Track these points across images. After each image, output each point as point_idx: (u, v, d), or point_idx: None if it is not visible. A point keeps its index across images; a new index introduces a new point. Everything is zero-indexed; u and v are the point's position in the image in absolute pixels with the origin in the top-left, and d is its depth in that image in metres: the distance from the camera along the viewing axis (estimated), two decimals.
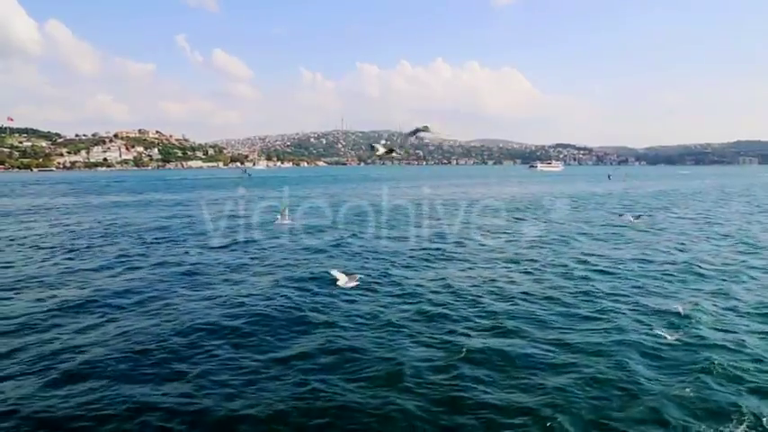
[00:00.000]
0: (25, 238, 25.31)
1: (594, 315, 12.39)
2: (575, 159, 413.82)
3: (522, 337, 10.89)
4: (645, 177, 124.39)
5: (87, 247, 21.85)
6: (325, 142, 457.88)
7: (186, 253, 20.33)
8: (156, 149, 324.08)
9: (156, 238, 24.26)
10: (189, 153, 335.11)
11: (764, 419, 7.66)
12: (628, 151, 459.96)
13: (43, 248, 21.75)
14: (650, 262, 18.59)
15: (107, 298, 13.59)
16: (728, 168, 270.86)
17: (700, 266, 17.83)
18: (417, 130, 8.28)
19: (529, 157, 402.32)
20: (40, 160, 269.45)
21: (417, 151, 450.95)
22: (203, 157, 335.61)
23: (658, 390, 8.54)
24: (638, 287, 15.03)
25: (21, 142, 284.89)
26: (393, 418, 7.62)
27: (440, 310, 12.73)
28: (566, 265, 17.99)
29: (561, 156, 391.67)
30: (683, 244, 22.60)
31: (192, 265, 18.01)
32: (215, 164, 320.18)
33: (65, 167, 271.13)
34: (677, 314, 12.27)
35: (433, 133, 8.27)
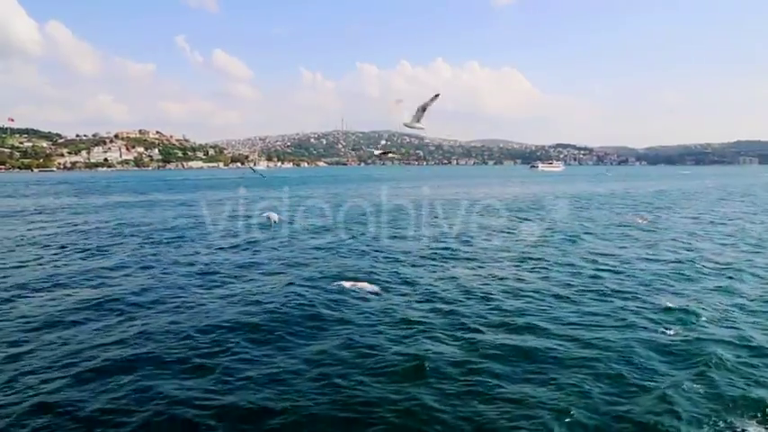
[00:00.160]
0: (36, 237, 25.54)
1: (604, 312, 12.62)
2: (575, 159, 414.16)
3: (533, 333, 11.12)
4: (645, 177, 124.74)
5: (99, 247, 22.06)
6: (325, 142, 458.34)
7: (197, 252, 20.56)
8: (156, 150, 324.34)
9: (164, 238, 24.48)
10: (189, 153, 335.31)
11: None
12: (628, 151, 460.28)
13: (56, 248, 21.95)
14: (657, 260, 18.82)
15: (125, 297, 13.81)
16: (729, 168, 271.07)
17: (706, 265, 18.06)
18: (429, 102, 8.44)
19: (529, 157, 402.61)
20: (41, 161, 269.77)
21: (417, 151, 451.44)
22: (204, 157, 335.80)
23: (668, 383, 8.77)
24: (646, 285, 15.25)
25: (21, 143, 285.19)
26: (415, 412, 7.84)
27: (452, 307, 12.98)
28: (573, 264, 18.22)
29: (561, 156, 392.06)
30: (689, 243, 22.82)
31: (204, 264, 18.23)
32: (215, 164, 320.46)
33: (65, 168, 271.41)
34: (684, 310, 12.52)
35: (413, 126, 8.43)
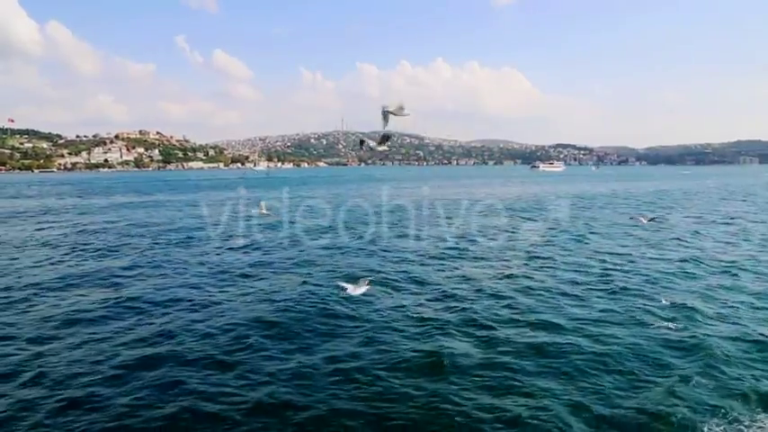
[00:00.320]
0: (46, 237, 25.81)
1: (612, 308, 12.87)
2: (575, 159, 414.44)
3: (544, 329, 11.37)
4: (646, 177, 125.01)
5: (110, 247, 22.33)
6: (325, 143, 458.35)
7: (206, 252, 20.79)
8: (156, 150, 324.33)
9: (172, 239, 24.71)
10: (190, 154, 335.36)
11: None
12: (628, 151, 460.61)
13: (67, 248, 22.20)
14: (662, 259, 19.05)
15: (143, 295, 14.07)
16: (729, 168, 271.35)
17: (710, 263, 18.31)
18: (387, 114, 8.32)
19: (529, 157, 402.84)
20: (41, 161, 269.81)
21: (418, 152, 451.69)
22: (204, 157, 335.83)
23: (676, 377, 9.03)
24: (652, 282, 15.51)
25: (22, 143, 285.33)
26: (435, 406, 8.09)
27: (463, 304, 13.22)
28: (580, 262, 18.47)
29: (562, 156, 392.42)
30: (692, 241, 23.06)
31: (215, 264, 18.49)
32: (216, 165, 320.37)
33: (66, 169, 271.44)
34: (690, 307, 12.75)
35: (399, 114, 8.32)
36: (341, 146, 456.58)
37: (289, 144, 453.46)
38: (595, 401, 8.23)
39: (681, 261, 18.73)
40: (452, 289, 14.83)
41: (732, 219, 32.82)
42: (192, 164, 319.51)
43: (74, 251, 21.42)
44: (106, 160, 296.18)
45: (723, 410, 7.98)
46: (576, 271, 17.25)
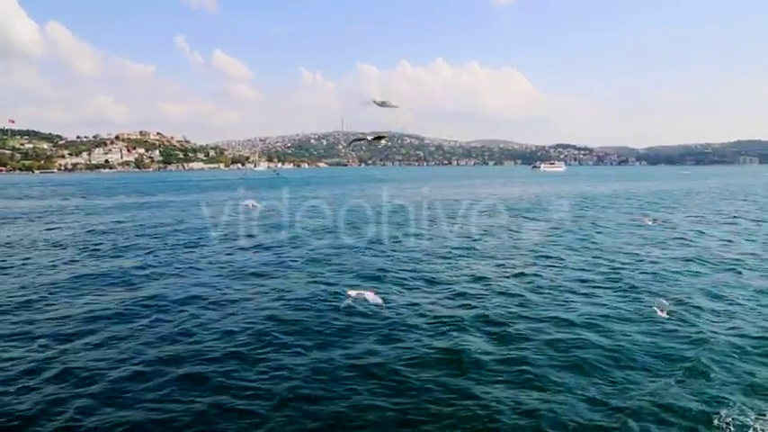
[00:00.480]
0: (58, 238, 26.04)
1: (622, 305, 13.08)
2: (575, 160, 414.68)
3: (557, 325, 11.58)
4: (647, 177, 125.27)
5: (123, 248, 22.64)
6: (325, 143, 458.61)
7: (217, 252, 21.04)
8: (157, 151, 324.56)
9: (182, 240, 24.96)
10: (190, 154, 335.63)
11: None
12: (628, 151, 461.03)
13: (80, 249, 22.44)
14: (669, 258, 19.26)
15: (160, 295, 14.30)
16: (730, 168, 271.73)
17: (716, 261, 18.53)
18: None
19: (529, 157, 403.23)
20: (42, 162, 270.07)
21: (418, 152, 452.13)
22: (204, 158, 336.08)
23: (687, 370, 9.27)
24: (660, 281, 15.77)
25: (22, 144, 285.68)
26: (456, 400, 8.32)
27: (475, 302, 13.49)
28: (588, 261, 18.75)
29: (562, 156, 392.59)
30: (698, 240, 23.27)
31: (228, 263, 18.76)
32: (216, 165, 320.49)
33: (66, 169, 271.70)
34: (697, 305, 13.00)
35: (387, 105, 8.41)
36: (341, 146, 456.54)
37: (289, 144, 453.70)
38: (609, 394, 8.48)
39: (686, 259, 19.00)
40: (462, 287, 15.09)
41: (734, 218, 33.07)
42: (192, 164, 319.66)
43: (85, 251, 21.65)
44: (107, 161, 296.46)
45: (733, 403, 8.19)
46: (583, 269, 17.50)
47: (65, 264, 19.00)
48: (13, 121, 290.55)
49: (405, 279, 16.13)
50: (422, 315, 12.43)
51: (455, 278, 16.25)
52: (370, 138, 8.72)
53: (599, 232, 26.48)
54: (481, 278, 16.20)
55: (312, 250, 21.24)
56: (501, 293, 14.40)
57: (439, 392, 8.54)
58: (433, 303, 13.43)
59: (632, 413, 7.86)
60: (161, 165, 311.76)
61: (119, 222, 33.25)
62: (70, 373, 9.13)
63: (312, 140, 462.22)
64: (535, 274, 16.70)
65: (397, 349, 10.30)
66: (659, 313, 12.33)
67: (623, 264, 18.32)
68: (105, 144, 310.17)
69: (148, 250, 21.63)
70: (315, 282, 15.63)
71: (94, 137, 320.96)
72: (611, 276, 16.39)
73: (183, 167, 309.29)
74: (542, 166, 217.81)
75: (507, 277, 16.35)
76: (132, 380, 8.90)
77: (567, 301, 13.64)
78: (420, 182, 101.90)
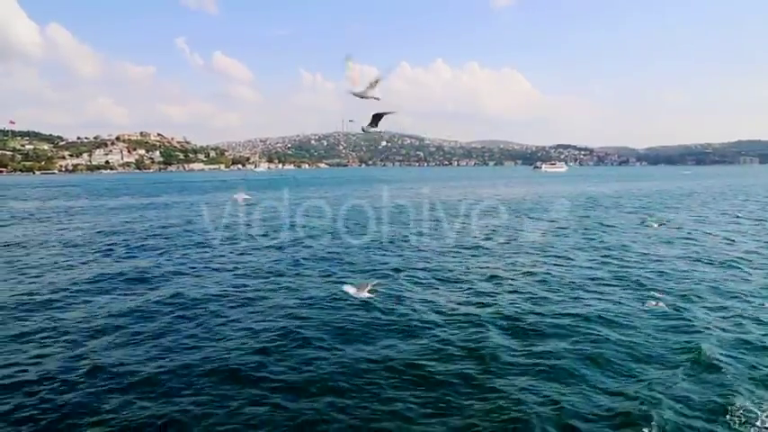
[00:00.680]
0: (68, 239, 26.33)
1: (632, 302, 13.31)
2: (575, 160, 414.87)
3: (571, 321, 11.83)
4: (648, 177, 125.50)
5: (135, 248, 22.93)
6: (326, 144, 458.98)
7: (232, 252, 21.27)
8: (157, 152, 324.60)
9: (193, 239, 25.28)
10: (191, 155, 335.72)
11: None
12: (629, 151, 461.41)
13: (93, 249, 22.73)
14: (678, 257, 19.51)
15: (181, 295, 14.54)
16: (730, 168, 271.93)
17: (723, 260, 18.79)
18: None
19: (530, 158, 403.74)
20: (43, 163, 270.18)
21: (418, 153, 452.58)
22: (205, 159, 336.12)
23: (703, 363, 9.50)
24: (669, 278, 16.00)
25: (23, 145, 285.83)
26: (481, 392, 8.62)
27: (489, 299, 13.79)
28: (596, 260, 19.04)
29: (562, 156, 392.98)
30: (703, 239, 23.53)
31: (245, 263, 19.02)
32: (217, 166, 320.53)
33: (67, 170, 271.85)
34: (703, 301, 13.27)
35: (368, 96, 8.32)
36: (341, 147, 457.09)
37: (289, 145, 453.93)
38: (623, 385, 8.78)
39: (691, 257, 19.30)
40: (474, 284, 15.42)
41: (737, 217, 33.30)
42: (192, 165, 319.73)
43: (99, 252, 21.94)
44: (107, 162, 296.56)
45: (741, 394, 8.45)
46: (591, 267, 17.80)
47: (82, 264, 19.26)
48: (13, 123, 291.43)
49: (417, 277, 16.43)
50: (437, 311, 12.71)
51: (466, 276, 16.55)
52: (366, 127, 8.43)
53: (604, 232, 26.72)
54: (492, 276, 16.48)
55: (323, 249, 21.54)
56: (513, 291, 14.69)
57: (461, 385, 8.82)
58: (446, 300, 13.72)
59: (646, 402, 8.12)
60: (162, 166, 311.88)
61: (127, 223, 33.49)
62: (102, 370, 9.35)
63: (312, 141, 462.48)
64: (545, 272, 17.00)
65: (415, 344, 10.60)
66: (666, 308, 12.70)
67: (631, 262, 18.63)
68: (106, 145, 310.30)
69: (161, 250, 21.88)
70: (329, 280, 15.89)
71: (95, 138, 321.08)
72: (620, 274, 16.68)
73: (184, 168, 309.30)
74: (544, 166, 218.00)
75: (518, 275, 16.64)
76: (164, 375, 9.14)
77: (577, 298, 13.95)
78: (421, 182, 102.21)
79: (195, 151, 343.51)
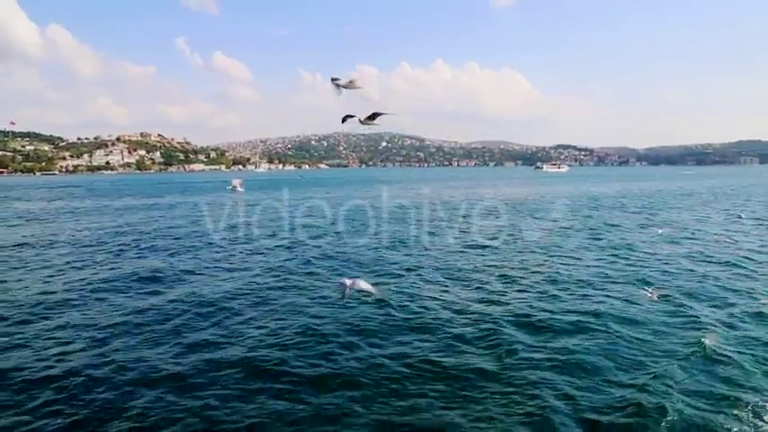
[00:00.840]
0: (78, 239, 26.60)
1: (641, 298, 13.53)
2: (576, 160, 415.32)
3: (585, 317, 12.05)
4: (648, 177, 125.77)
5: (147, 249, 23.23)
6: (326, 144, 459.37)
7: (239, 252, 21.51)
8: (158, 153, 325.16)
9: (203, 240, 25.45)
10: (191, 156, 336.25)
11: None
12: (629, 152, 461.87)
13: (104, 250, 22.94)
14: (684, 256, 19.75)
15: (198, 295, 14.75)
16: (731, 168, 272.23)
17: (729, 258, 18.99)
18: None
19: (530, 158, 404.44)
20: (43, 164, 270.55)
21: (418, 153, 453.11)
22: (205, 160, 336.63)
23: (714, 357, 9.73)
24: (677, 277, 16.23)
25: (23, 146, 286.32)
26: (500, 385, 8.86)
27: (501, 296, 14.05)
28: (603, 258, 19.27)
29: (562, 157, 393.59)
30: (707, 238, 23.80)
31: (253, 263, 19.29)
32: (217, 167, 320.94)
33: (68, 171, 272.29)
34: (707, 296, 13.52)
35: (350, 87, 8.36)
36: (342, 147, 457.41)
37: (290, 146, 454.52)
38: (637, 378, 9.01)
39: (698, 257, 19.53)
40: (484, 282, 15.66)
41: (740, 218, 33.52)
42: (193, 166, 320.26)
43: (110, 252, 22.17)
44: (108, 162, 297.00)
45: (757, 389, 8.65)
46: (599, 266, 18.02)
47: (94, 264, 19.48)
48: (13, 123, 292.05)
49: (427, 275, 16.69)
50: (449, 308, 12.95)
51: (475, 274, 16.80)
52: (362, 118, 8.39)
53: (609, 231, 26.98)
54: (501, 275, 16.73)
55: (332, 248, 21.78)
56: (522, 289, 14.92)
57: (477, 380, 9.04)
58: (458, 297, 13.98)
59: (657, 394, 8.36)
60: (162, 166, 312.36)
61: (134, 224, 33.72)
62: (126, 367, 9.48)
63: (313, 142, 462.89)
64: (553, 271, 17.27)
65: (430, 340, 10.84)
66: (673, 305, 12.99)
67: (636, 260, 18.91)
68: (106, 146, 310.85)
69: (171, 250, 22.10)
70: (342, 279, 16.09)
71: (95, 138, 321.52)
72: (627, 272, 16.94)
73: (184, 169, 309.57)
74: (545, 166, 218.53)
75: (527, 273, 16.91)
76: (188, 371, 9.32)
77: (585, 296, 14.20)
78: (423, 183, 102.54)
79: (196, 152, 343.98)
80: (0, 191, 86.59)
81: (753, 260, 18.93)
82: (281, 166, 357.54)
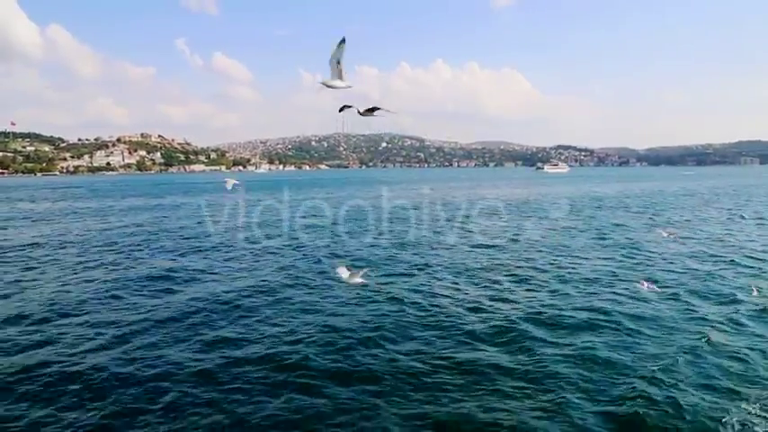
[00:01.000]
0: (86, 240, 26.88)
1: (647, 296, 13.75)
2: (576, 161, 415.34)
3: (592, 311, 12.32)
4: (649, 178, 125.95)
5: (156, 249, 23.53)
6: (326, 145, 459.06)
7: (251, 253, 21.74)
8: (158, 153, 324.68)
9: (209, 241, 25.67)
10: (191, 157, 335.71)
11: None
12: (629, 152, 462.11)
13: (116, 252, 23.13)
14: (689, 255, 19.97)
15: (214, 295, 15.04)
16: (731, 169, 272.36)
17: (734, 255, 19.23)
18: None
19: (530, 158, 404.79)
20: (44, 165, 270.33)
21: (419, 154, 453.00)
22: (206, 160, 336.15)
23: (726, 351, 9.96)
24: (683, 274, 16.47)
25: (24, 147, 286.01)
26: (519, 380, 9.09)
27: (510, 295, 14.30)
28: (610, 257, 19.52)
29: (562, 157, 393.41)
30: (712, 238, 24.03)
31: (266, 263, 19.59)
32: (217, 168, 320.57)
33: (68, 172, 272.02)
34: (711, 293, 13.78)
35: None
36: (342, 148, 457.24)
37: (290, 146, 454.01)
38: (651, 368, 9.32)
39: (701, 257, 19.77)
40: (495, 282, 15.91)
41: (743, 218, 33.74)
42: (194, 167, 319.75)
43: (121, 252, 22.48)
44: (108, 163, 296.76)
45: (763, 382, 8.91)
46: (606, 265, 18.23)
47: (106, 264, 19.69)
48: (14, 124, 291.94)
49: (438, 274, 16.96)
50: (462, 306, 13.20)
51: (485, 273, 17.09)
52: (361, 110, 8.28)
53: (613, 231, 27.24)
54: (511, 274, 17.02)
55: (340, 248, 22.09)
56: (532, 289, 15.18)
57: (496, 374, 9.28)
58: (470, 295, 14.24)
59: (667, 386, 8.67)
60: (162, 167, 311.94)
61: (141, 224, 33.97)
62: (150, 364, 9.68)
63: (313, 142, 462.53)
64: (562, 269, 17.57)
65: (446, 336, 11.08)
66: (679, 302, 13.25)
67: (642, 259, 19.22)
68: (107, 146, 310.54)
69: (181, 251, 22.33)
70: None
71: (96, 139, 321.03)
72: (633, 271, 17.18)
73: (185, 170, 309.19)
74: (546, 167, 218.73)
75: (536, 272, 17.18)
76: (214, 368, 9.50)
77: (594, 293, 14.48)
78: (424, 183, 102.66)
79: (196, 153, 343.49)
80: (2, 192, 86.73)
81: (756, 259, 19.18)
82: (281, 166, 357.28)
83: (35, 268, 18.92)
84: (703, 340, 10.69)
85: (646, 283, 13.16)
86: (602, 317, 12.27)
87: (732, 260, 18.92)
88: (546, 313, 12.55)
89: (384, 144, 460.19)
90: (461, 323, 11.89)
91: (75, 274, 17.86)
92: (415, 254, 20.68)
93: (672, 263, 18.60)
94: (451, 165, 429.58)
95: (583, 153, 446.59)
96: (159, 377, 9.20)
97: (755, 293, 14.07)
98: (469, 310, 12.93)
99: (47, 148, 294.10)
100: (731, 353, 10.10)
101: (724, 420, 7.71)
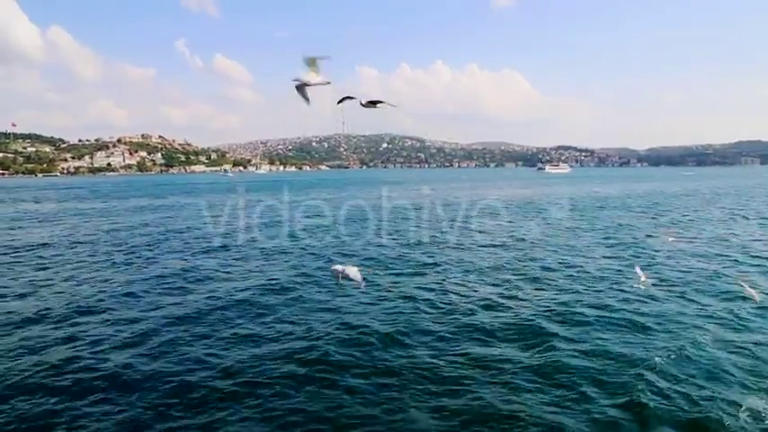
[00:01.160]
0: (93, 240, 27.10)
1: (651, 294, 14.02)
2: (576, 161, 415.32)
3: (601, 308, 12.54)
4: (650, 178, 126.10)
5: (165, 250, 23.85)
6: (327, 146, 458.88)
7: (261, 254, 21.98)
8: (159, 154, 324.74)
9: (217, 241, 25.78)
10: (192, 158, 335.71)
11: None
12: (629, 153, 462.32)
13: (125, 252, 23.38)
14: (693, 254, 20.22)
15: (227, 295, 15.29)
16: (731, 169, 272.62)
17: (739, 255, 19.48)
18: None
19: (530, 159, 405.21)
20: (45, 165, 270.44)
21: (419, 154, 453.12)
22: (206, 161, 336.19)
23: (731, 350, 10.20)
24: (688, 272, 16.72)
25: (25, 148, 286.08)
26: (539, 375, 9.35)
27: (521, 293, 14.55)
28: (616, 257, 19.76)
29: (563, 158, 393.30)
30: (714, 238, 24.27)
31: (277, 264, 19.82)
32: (218, 168, 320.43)
33: (69, 173, 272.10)
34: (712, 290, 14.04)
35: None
36: (342, 149, 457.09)
37: (290, 147, 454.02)
38: (662, 357, 9.67)
39: (704, 256, 20.04)
40: (507, 280, 16.17)
41: (745, 217, 34.01)
42: (194, 167, 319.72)
43: (132, 252, 22.68)
44: (109, 164, 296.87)
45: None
46: (612, 264, 18.46)
47: (117, 264, 19.89)
48: (15, 125, 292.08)
49: (450, 272, 17.21)
50: (477, 304, 13.43)
51: (494, 272, 17.34)
52: (363, 101, 8.14)
53: (617, 231, 27.48)
54: (519, 272, 17.29)
55: (347, 248, 22.32)
56: (541, 286, 15.46)
57: (511, 368, 9.54)
58: (481, 293, 14.48)
59: (676, 380, 8.95)
60: (163, 168, 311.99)
61: (147, 224, 34.21)
62: (177, 363, 9.86)
63: (313, 143, 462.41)
64: (569, 267, 17.87)
65: (460, 333, 11.34)
66: (684, 301, 13.50)
67: (647, 258, 19.48)
68: (107, 147, 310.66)
69: (190, 251, 22.56)
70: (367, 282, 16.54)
71: (96, 140, 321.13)
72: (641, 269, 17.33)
73: (186, 170, 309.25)
74: (548, 167, 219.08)
75: (544, 271, 17.46)
76: (240, 366, 9.68)
77: (602, 290, 14.78)
78: (425, 184, 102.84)
79: (197, 153, 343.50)
80: (5, 193, 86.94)
81: (761, 257, 19.41)
82: (281, 167, 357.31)
83: (49, 268, 19.14)
84: (711, 336, 10.96)
85: (638, 268, 13.45)
86: (610, 314, 12.55)
87: (736, 259, 19.22)
88: (556, 310, 12.82)
89: (385, 145, 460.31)
90: (474, 320, 12.16)
91: (89, 273, 18.06)
92: (423, 253, 20.93)
93: (677, 261, 18.86)
94: (452, 165, 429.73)
95: (583, 154, 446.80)
96: (184, 373, 9.41)
97: (756, 295, 14.34)
98: (481, 307, 13.19)
99: (47, 149, 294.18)
100: (739, 348, 10.37)
101: (734, 413, 7.95)
